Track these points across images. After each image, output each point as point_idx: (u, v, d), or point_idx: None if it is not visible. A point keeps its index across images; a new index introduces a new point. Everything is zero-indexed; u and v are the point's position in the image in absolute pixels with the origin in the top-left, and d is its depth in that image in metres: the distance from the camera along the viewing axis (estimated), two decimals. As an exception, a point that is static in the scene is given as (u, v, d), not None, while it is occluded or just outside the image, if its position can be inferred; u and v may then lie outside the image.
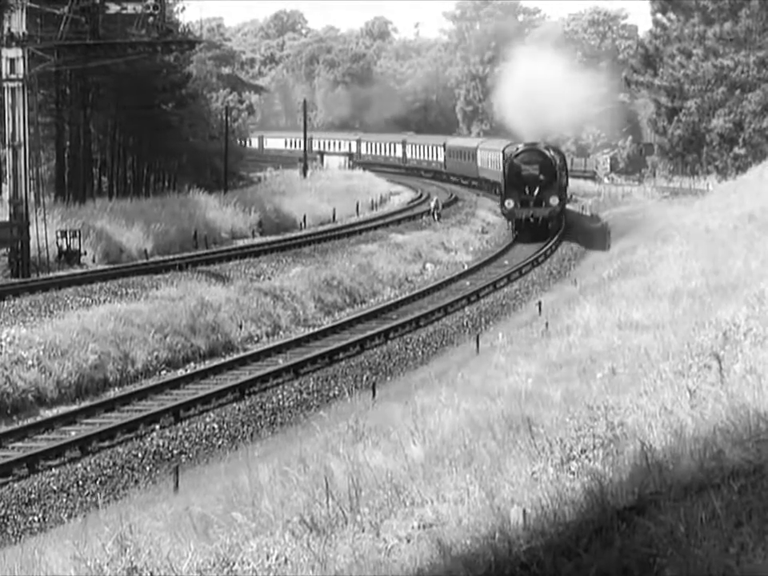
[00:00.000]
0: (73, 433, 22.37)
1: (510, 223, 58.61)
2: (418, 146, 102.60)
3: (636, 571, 7.28)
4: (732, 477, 8.25)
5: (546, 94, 72.98)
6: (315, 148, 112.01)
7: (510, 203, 57.19)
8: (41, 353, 26.54)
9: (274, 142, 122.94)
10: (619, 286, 26.35)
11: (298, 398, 25.78)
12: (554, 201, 56.90)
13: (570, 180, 71.85)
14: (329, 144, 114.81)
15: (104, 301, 32.61)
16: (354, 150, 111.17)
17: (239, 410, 24.62)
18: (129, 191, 68.40)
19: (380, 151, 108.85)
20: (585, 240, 56.47)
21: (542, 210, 56.64)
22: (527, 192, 56.93)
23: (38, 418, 24.05)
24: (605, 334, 19.54)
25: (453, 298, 39.22)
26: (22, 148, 40.91)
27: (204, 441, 22.65)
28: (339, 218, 66.58)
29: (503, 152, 67.62)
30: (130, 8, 41.77)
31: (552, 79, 72.83)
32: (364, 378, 27.54)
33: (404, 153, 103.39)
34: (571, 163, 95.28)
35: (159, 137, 70.68)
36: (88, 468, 20.50)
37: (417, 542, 8.90)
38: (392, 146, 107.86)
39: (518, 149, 60.15)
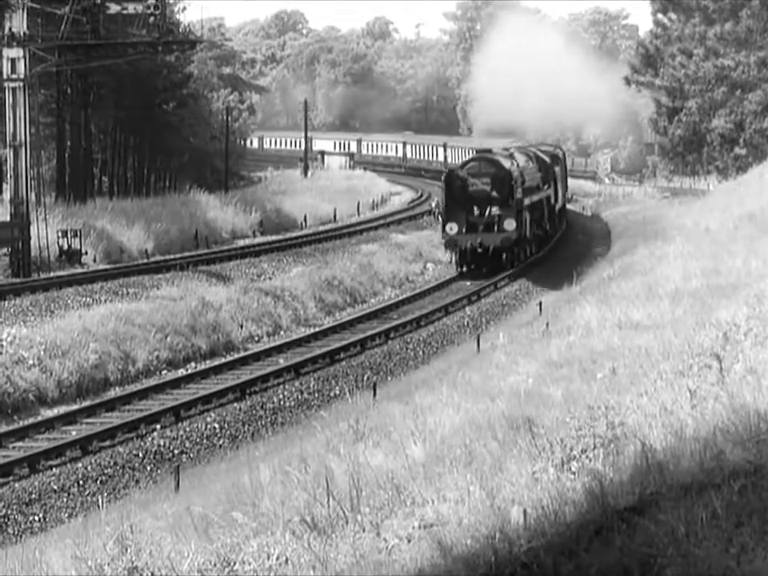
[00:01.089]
0: (74, 432, 22.37)
1: (453, 255, 45.54)
2: (418, 147, 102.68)
3: (636, 571, 7.29)
4: (732, 477, 8.25)
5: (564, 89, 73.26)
6: (316, 148, 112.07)
7: (452, 228, 44.14)
8: (41, 352, 26.56)
9: (277, 142, 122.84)
10: (619, 286, 26.35)
11: (299, 397, 25.79)
12: (510, 225, 44.01)
13: (569, 181, 71.65)
14: (331, 144, 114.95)
15: (105, 300, 32.63)
16: (354, 150, 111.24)
17: (240, 409, 24.62)
18: (129, 191, 68.43)
19: (381, 151, 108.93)
20: (556, 273, 42.76)
21: (494, 236, 44.03)
22: (476, 213, 44.39)
23: (39, 418, 24.07)
24: (605, 334, 19.54)
25: (454, 298, 39.24)
26: (23, 148, 40.93)
27: (205, 441, 22.65)
28: (340, 218, 66.57)
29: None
30: (131, 8, 41.79)
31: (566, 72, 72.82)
32: (365, 377, 27.55)
33: (404, 153, 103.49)
34: (572, 163, 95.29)
35: (160, 137, 70.70)
36: (89, 468, 20.50)
37: (417, 541, 8.90)
38: (393, 146, 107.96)
39: (468, 158, 49.86)
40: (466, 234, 43.94)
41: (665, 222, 45.23)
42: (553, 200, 53.97)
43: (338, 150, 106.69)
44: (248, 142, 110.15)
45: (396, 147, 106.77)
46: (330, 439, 15.50)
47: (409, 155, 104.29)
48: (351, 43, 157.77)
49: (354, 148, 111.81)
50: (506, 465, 10.60)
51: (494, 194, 44.41)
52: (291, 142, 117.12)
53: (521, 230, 44.95)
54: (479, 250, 44.06)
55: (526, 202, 46.33)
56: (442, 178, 46.93)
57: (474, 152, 58.85)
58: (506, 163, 45.96)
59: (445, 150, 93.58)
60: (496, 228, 44.21)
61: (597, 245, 53.45)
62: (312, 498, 10.93)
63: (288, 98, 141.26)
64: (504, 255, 44.36)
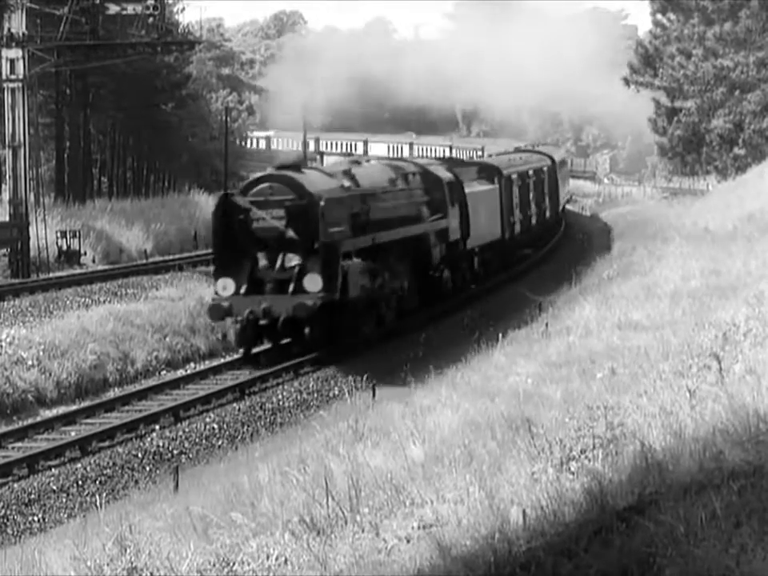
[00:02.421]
0: (73, 433, 22.35)
1: (235, 326, 28.30)
2: (424, 148, 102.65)
3: (636, 571, 7.29)
4: (732, 477, 8.25)
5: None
6: (322, 149, 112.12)
7: (226, 287, 27.86)
8: (41, 353, 26.55)
9: (282, 143, 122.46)
10: (619, 287, 26.37)
11: (298, 397, 25.76)
12: (313, 283, 27.53)
13: (570, 181, 71.47)
14: (337, 145, 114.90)
15: (104, 301, 32.63)
16: (362, 151, 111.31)
17: (239, 410, 24.60)
18: (129, 191, 68.41)
19: (388, 152, 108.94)
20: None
21: (285, 301, 27.35)
22: (262, 264, 28.32)
23: (38, 418, 24.05)
24: (605, 335, 19.56)
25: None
26: (22, 148, 40.93)
27: (204, 441, 22.63)
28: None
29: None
30: (130, 8, 41.80)
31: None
32: (364, 378, 27.52)
33: (411, 154, 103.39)
34: (571, 164, 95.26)
35: (159, 137, 70.71)
36: (88, 468, 20.49)
37: (417, 542, 8.90)
38: (399, 147, 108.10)
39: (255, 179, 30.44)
40: (245, 297, 27.71)
41: (664, 223, 45.23)
42: (457, 234, 36.30)
43: (392, 153, 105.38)
44: (251, 143, 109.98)
45: (402, 148, 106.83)
46: (329, 439, 15.51)
47: (415, 156, 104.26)
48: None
49: (361, 149, 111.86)
50: (506, 465, 10.60)
51: (291, 233, 28.11)
52: (291, 143, 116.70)
53: (334, 291, 27.68)
54: (264, 322, 27.60)
55: (358, 243, 29.59)
56: (217, 210, 29.17)
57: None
58: (318, 184, 29.05)
59: (451, 152, 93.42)
60: (292, 287, 27.62)
61: (596, 245, 53.39)
62: (311, 499, 10.93)
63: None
64: (308, 329, 27.34)
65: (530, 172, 49.95)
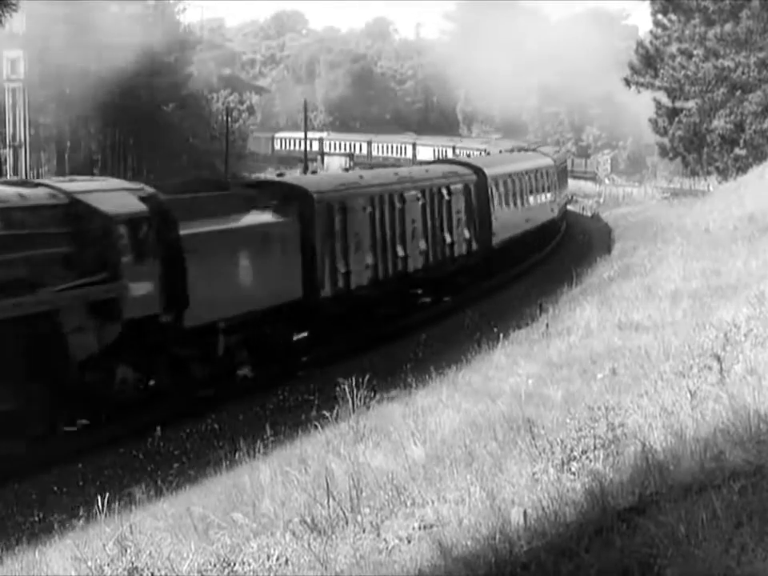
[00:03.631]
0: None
1: None
2: (427, 148, 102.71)
3: (636, 572, 7.29)
4: (732, 477, 8.26)
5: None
6: (326, 149, 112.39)
7: None
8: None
9: (286, 142, 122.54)
10: (620, 287, 26.37)
11: (299, 398, 25.77)
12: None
13: (570, 181, 71.13)
14: (341, 145, 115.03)
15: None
16: (365, 151, 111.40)
17: (239, 409, 24.61)
18: (129, 192, 68.37)
19: (391, 152, 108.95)
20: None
21: None
22: None
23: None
24: (605, 335, 19.56)
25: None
26: (23, 148, 40.99)
27: (204, 441, 22.64)
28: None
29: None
30: (131, 8, 41.87)
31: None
32: (364, 378, 27.51)
33: (414, 154, 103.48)
34: (571, 164, 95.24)
35: (160, 137, 70.75)
36: (88, 468, 20.49)
37: (417, 542, 8.91)
38: (403, 147, 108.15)
39: None
40: None
41: (665, 223, 45.25)
42: (155, 307, 22.89)
43: (437, 156, 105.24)
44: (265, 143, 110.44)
45: (406, 148, 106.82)
46: (330, 440, 15.53)
47: (419, 156, 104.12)
48: (351, 44, 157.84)
49: (364, 149, 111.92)
50: (506, 465, 10.60)
51: None
52: (292, 143, 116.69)
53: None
54: None
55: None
56: None
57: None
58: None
59: (454, 152, 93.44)
60: None
61: (597, 245, 53.46)
62: (312, 499, 10.95)
63: (288, 98, 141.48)
64: None
65: (411, 193, 34.68)
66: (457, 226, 37.50)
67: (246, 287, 25.20)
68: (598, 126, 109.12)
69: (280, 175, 41.71)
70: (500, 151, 65.98)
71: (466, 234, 38.49)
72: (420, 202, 34.99)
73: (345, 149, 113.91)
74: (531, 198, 48.46)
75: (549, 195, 53.26)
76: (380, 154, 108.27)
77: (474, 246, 39.07)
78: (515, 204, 45.20)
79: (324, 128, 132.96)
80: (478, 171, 40.90)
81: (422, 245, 34.88)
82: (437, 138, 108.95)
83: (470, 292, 38.35)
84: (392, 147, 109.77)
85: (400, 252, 33.36)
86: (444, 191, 36.90)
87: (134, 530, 10.92)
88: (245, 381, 26.27)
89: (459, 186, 38.48)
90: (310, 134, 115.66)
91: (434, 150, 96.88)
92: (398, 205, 33.39)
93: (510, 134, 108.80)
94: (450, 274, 37.44)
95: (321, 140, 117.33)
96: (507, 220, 43.16)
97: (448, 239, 36.92)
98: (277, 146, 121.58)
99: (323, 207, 29.26)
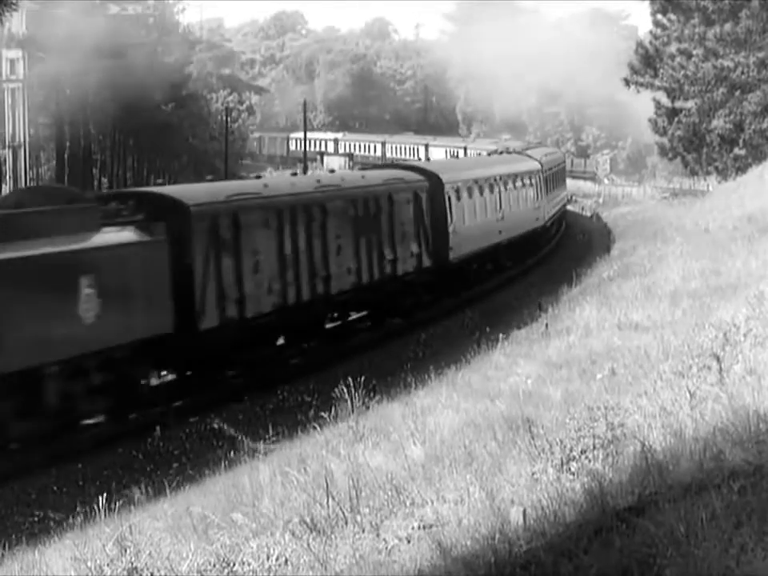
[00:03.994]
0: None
1: None
2: (440, 149, 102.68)
3: (636, 572, 7.29)
4: (732, 477, 8.26)
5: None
6: (341, 150, 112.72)
7: None
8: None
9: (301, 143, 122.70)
10: (619, 287, 26.37)
11: (298, 398, 25.78)
12: None
13: (569, 181, 71.01)
14: (356, 146, 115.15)
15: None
16: (379, 152, 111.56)
17: (239, 410, 24.64)
18: (129, 192, 68.44)
19: (404, 153, 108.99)
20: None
21: None
22: None
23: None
24: (605, 335, 19.56)
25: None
26: (22, 149, 41.00)
27: (204, 441, 22.65)
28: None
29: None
30: (131, 9, 41.88)
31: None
32: (364, 378, 27.53)
33: (426, 155, 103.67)
34: (571, 164, 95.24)
35: (159, 137, 70.74)
36: (88, 468, 20.50)
37: (417, 542, 8.91)
38: (416, 148, 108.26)
39: None
40: None
41: (664, 223, 45.26)
42: None
43: (449, 155, 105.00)
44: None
45: (418, 149, 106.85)
46: (329, 440, 15.53)
47: (431, 158, 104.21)
48: (350, 44, 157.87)
49: (378, 151, 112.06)
50: (506, 465, 10.60)
51: None
52: (294, 143, 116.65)
53: None
54: None
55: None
56: None
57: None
58: None
59: (465, 153, 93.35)
60: None
61: (596, 245, 53.47)
62: (311, 499, 10.94)
63: (287, 98, 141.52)
64: None
65: (336, 203, 30.33)
66: (402, 240, 33.26)
67: (87, 322, 20.71)
68: (597, 125, 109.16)
69: (257, 177, 38.76)
70: (478, 154, 64.75)
71: (414, 248, 34.08)
72: (349, 213, 30.80)
73: (360, 150, 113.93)
74: (507, 207, 43.96)
75: (533, 203, 49.10)
76: (393, 155, 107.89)
77: (426, 261, 34.74)
78: (484, 214, 40.76)
79: (324, 128, 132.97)
80: (431, 177, 36.30)
81: (351, 263, 30.67)
82: (450, 139, 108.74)
83: (426, 313, 34.57)
84: (405, 148, 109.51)
85: (321, 271, 29.04)
86: (383, 200, 32.60)
87: (134, 530, 10.91)
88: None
89: (405, 195, 34.06)
90: (327, 135, 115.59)
91: (446, 151, 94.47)
92: (317, 217, 28.98)
93: (509, 134, 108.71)
94: (393, 294, 33.05)
95: (336, 140, 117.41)
96: (470, 232, 38.59)
97: (389, 255, 32.59)
98: (292, 147, 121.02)
99: (204, 222, 24.75)
